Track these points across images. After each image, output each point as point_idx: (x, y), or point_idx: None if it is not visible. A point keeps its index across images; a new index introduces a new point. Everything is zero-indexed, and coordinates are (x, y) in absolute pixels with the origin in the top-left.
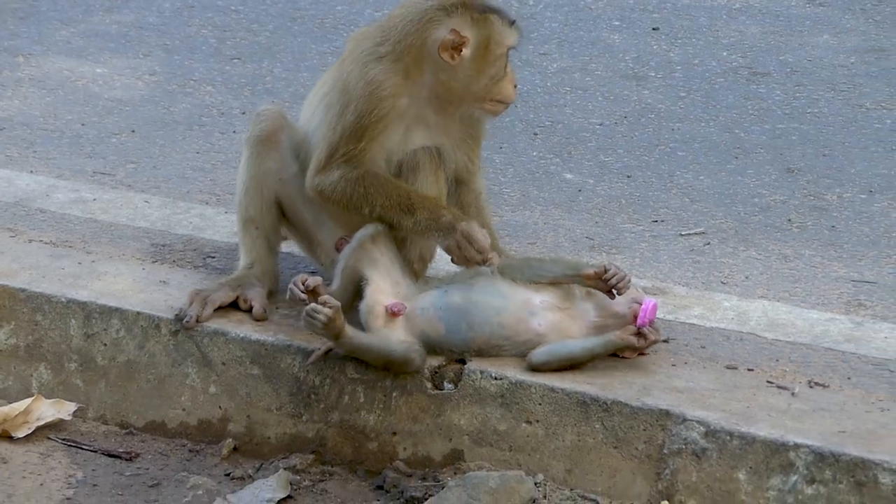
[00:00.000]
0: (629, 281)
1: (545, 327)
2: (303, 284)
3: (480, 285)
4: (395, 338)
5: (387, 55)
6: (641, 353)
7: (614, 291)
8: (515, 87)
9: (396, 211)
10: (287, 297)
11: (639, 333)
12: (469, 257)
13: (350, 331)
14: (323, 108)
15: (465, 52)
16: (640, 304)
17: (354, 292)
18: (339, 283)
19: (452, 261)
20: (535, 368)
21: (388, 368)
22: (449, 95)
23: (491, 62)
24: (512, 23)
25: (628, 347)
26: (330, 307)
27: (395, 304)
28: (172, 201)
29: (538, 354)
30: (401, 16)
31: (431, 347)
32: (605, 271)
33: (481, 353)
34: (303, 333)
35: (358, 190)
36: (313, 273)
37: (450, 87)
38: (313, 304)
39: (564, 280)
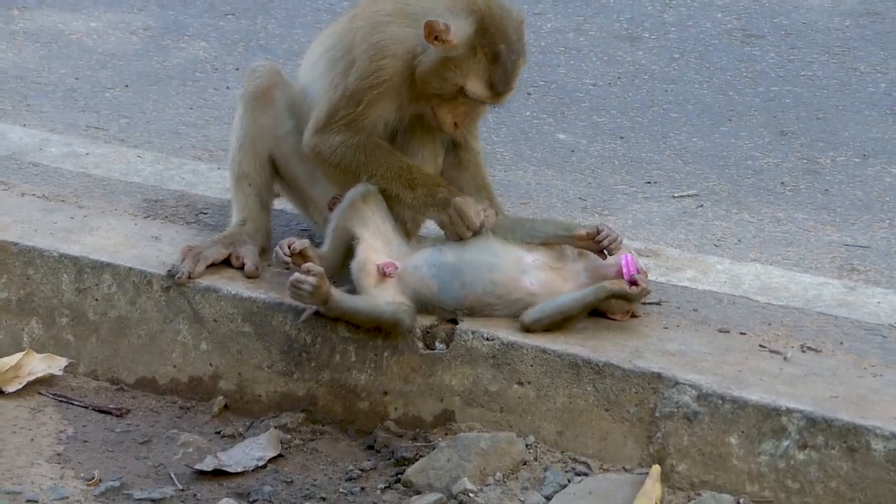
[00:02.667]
0: (621, 241)
1: (537, 286)
2: (289, 247)
3: (473, 244)
4: (384, 299)
5: (399, 21)
6: (633, 315)
7: (606, 252)
8: (455, 125)
9: (396, 184)
10: (273, 259)
11: (631, 282)
12: (460, 233)
13: (337, 295)
14: (326, 61)
15: (440, 48)
16: (620, 261)
17: (346, 252)
18: (330, 242)
19: (445, 234)
20: (528, 328)
21: (379, 329)
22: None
23: (446, 77)
24: (492, 87)
25: (621, 294)
26: (314, 275)
27: (387, 264)
28: (165, 157)
29: (530, 313)
30: None
31: (423, 306)
32: (598, 232)
33: (473, 311)
34: None
35: (358, 157)
36: (305, 231)
37: (420, 68)
38: (297, 275)
39: (556, 241)
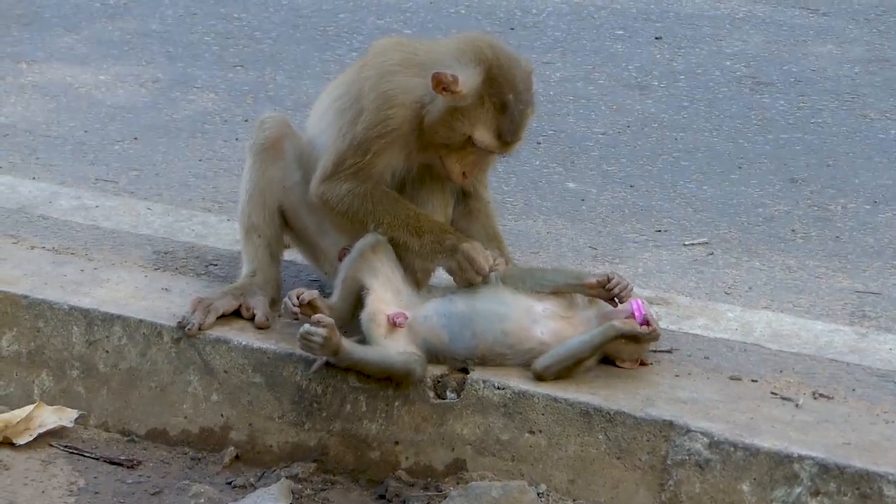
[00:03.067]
0: (631, 289)
1: (548, 335)
2: (297, 298)
3: (483, 293)
4: (395, 349)
5: (407, 71)
6: (643, 364)
7: (616, 300)
8: (464, 175)
9: (403, 231)
10: (282, 309)
11: (642, 322)
12: (469, 279)
13: (348, 346)
14: (334, 111)
15: (448, 98)
16: (631, 308)
17: (355, 303)
18: (339, 293)
19: (455, 281)
20: (540, 376)
21: (390, 379)
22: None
23: (454, 127)
24: (500, 137)
25: (631, 335)
26: (323, 326)
27: (397, 314)
28: (175, 209)
29: (541, 361)
30: (442, 44)
31: (434, 355)
32: (608, 280)
33: (484, 361)
34: None
35: (365, 206)
36: (315, 282)
37: (428, 118)
38: (307, 327)
39: (567, 289)
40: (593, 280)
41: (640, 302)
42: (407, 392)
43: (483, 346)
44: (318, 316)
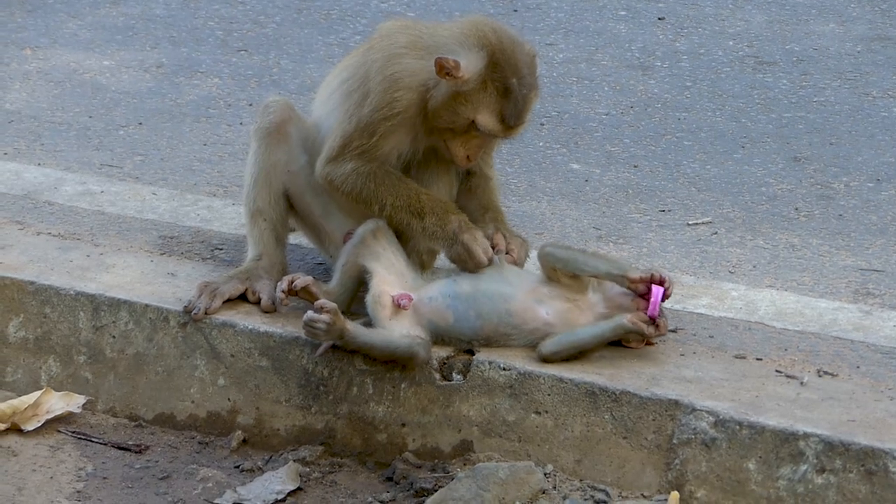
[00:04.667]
0: (673, 286)
1: (553, 316)
2: (289, 285)
3: (488, 274)
4: (400, 331)
5: (413, 54)
6: (649, 343)
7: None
8: (468, 159)
9: (406, 212)
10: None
11: (651, 322)
12: (469, 269)
13: (352, 329)
14: (341, 93)
15: (451, 82)
16: (651, 285)
17: (355, 288)
18: (338, 278)
19: (457, 267)
20: (546, 359)
21: (395, 362)
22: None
23: (457, 111)
24: (504, 121)
25: (639, 333)
26: (327, 311)
27: (402, 295)
28: (180, 193)
29: (548, 345)
30: (447, 27)
31: (439, 336)
32: (652, 278)
33: (489, 342)
34: None
35: (368, 185)
36: (321, 265)
37: (432, 102)
38: (310, 314)
39: (606, 278)
40: (637, 275)
41: (660, 292)
42: (413, 374)
43: (488, 326)
44: (321, 301)
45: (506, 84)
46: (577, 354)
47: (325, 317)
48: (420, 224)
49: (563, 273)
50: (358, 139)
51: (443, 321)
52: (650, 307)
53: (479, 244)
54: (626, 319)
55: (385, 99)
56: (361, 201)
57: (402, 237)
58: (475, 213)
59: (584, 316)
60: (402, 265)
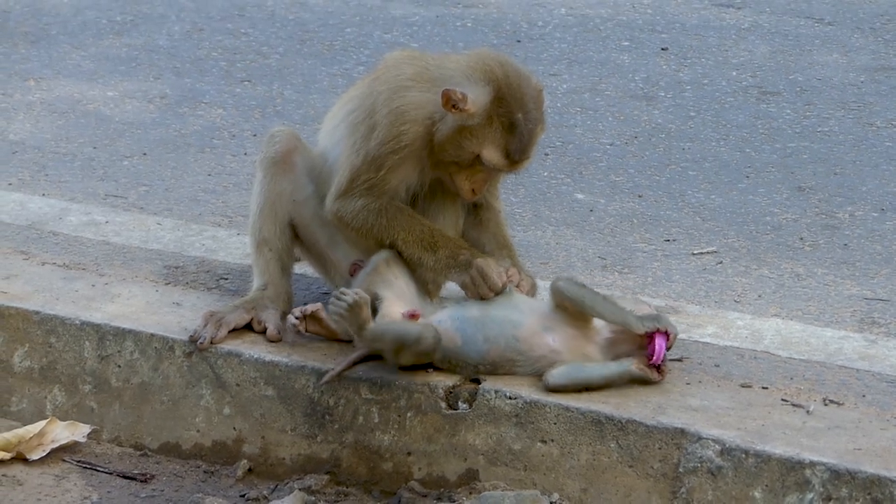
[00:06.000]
0: (676, 336)
1: (559, 343)
2: (301, 312)
3: (498, 301)
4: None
5: (420, 86)
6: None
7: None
8: (473, 192)
9: (417, 247)
10: (287, 325)
11: (656, 368)
12: (482, 294)
13: (371, 324)
14: (347, 125)
15: (457, 116)
16: (655, 334)
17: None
18: None
19: (467, 295)
20: (552, 390)
21: (401, 353)
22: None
23: (462, 145)
24: (509, 156)
25: (645, 381)
26: (359, 297)
27: (412, 310)
28: (185, 223)
29: (555, 377)
30: (454, 59)
31: (446, 360)
32: (657, 332)
33: (495, 367)
34: (317, 354)
35: (380, 222)
36: (326, 295)
37: (438, 135)
38: (342, 288)
39: (614, 324)
40: (643, 331)
41: (663, 343)
42: (419, 402)
43: (495, 350)
44: (356, 291)
45: (511, 119)
46: (581, 390)
47: (354, 295)
48: (433, 257)
49: (570, 307)
50: (366, 173)
51: (451, 343)
52: (655, 355)
53: (493, 268)
54: (633, 366)
55: (392, 132)
56: (372, 237)
57: (412, 270)
58: (486, 247)
59: (591, 343)
60: (413, 294)
